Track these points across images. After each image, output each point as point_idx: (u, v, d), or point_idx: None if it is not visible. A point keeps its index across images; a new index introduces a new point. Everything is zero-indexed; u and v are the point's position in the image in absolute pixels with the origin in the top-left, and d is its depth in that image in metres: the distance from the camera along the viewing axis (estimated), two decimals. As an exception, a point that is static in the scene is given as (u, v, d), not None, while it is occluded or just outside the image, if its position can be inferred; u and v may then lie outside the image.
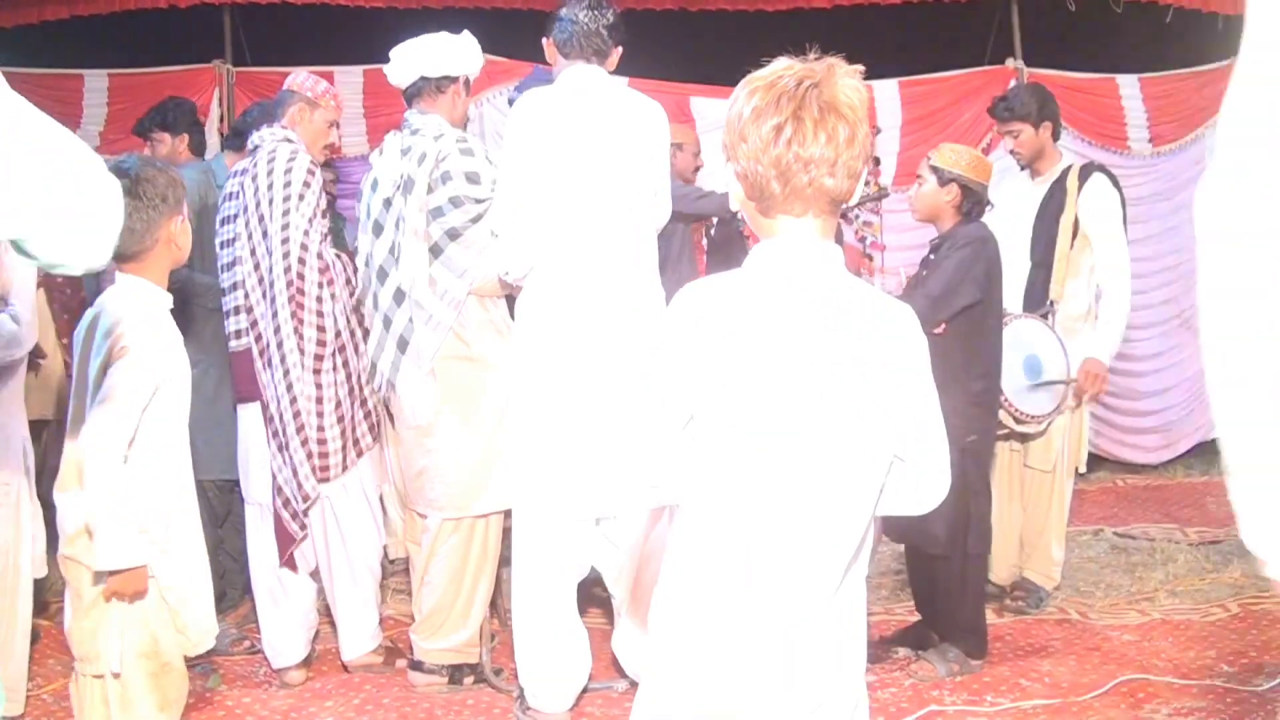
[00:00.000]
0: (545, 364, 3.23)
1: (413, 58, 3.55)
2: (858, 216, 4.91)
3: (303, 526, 3.58)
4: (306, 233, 3.58)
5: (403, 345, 3.47)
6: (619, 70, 3.42)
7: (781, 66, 1.64)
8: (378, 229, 3.52)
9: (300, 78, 3.85)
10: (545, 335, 3.23)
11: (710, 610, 1.63)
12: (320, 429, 3.57)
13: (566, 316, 3.21)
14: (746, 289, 1.64)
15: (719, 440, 1.61)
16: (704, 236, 5.00)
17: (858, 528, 1.64)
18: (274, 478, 3.58)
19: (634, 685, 3.45)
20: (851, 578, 1.65)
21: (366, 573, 3.72)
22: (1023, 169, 4.42)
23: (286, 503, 3.55)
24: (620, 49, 3.39)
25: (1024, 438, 4.17)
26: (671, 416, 1.64)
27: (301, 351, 3.55)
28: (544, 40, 3.42)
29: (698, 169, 5.07)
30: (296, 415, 3.54)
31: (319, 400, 3.57)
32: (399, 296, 3.47)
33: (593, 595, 3.66)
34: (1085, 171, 4.32)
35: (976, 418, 3.57)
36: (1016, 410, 3.87)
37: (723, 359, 1.61)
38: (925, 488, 1.70)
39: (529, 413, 3.27)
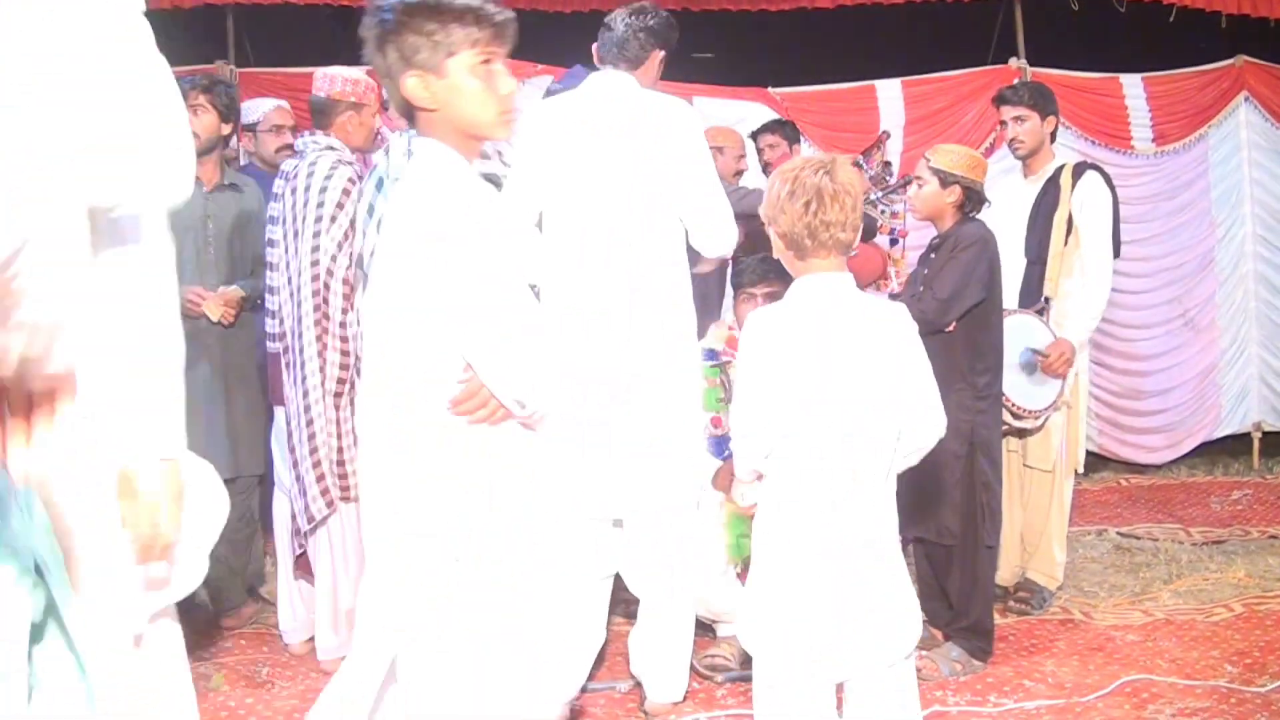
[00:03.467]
0: (565, 367, 3.22)
1: None
2: (884, 210, 4.87)
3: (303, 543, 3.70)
4: (334, 258, 3.59)
5: None
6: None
7: (801, 161, 2.47)
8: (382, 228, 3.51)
9: (338, 85, 3.76)
10: (565, 340, 3.22)
11: (808, 540, 2.33)
12: (340, 450, 3.61)
13: (586, 321, 3.20)
14: (803, 310, 2.43)
15: (801, 416, 2.36)
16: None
17: (889, 457, 2.42)
18: (292, 489, 3.68)
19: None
20: (888, 493, 2.43)
21: (349, 589, 3.76)
22: (1021, 159, 4.40)
23: (296, 518, 3.63)
24: (662, 52, 3.38)
25: (1021, 433, 4.19)
26: (770, 408, 2.38)
27: (323, 374, 3.58)
28: (593, 46, 3.44)
29: (740, 172, 5.01)
30: (311, 438, 3.58)
31: (338, 422, 3.60)
32: None
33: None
34: (1079, 169, 4.35)
35: (984, 410, 3.64)
36: (1014, 405, 3.91)
37: (797, 361, 2.37)
38: (930, 423, 2.43)
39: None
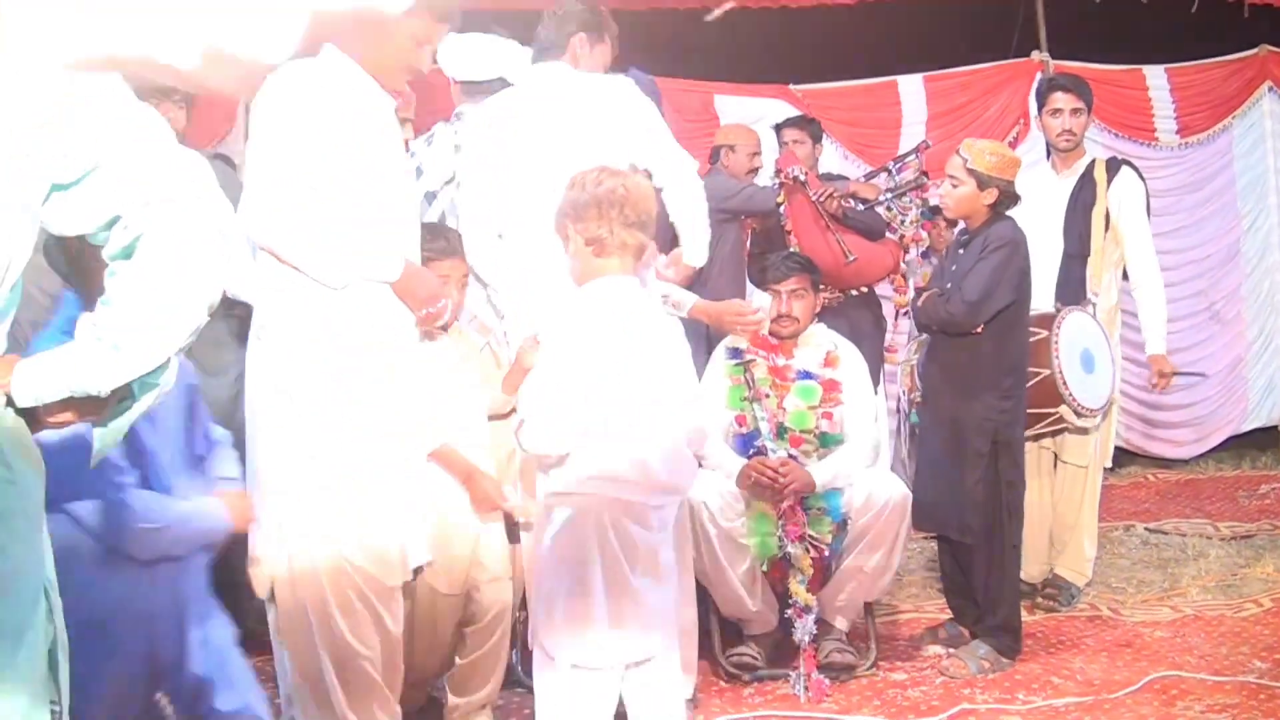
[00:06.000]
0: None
1: (498, 58, 3.55)
2: (903, 220, 4.80)
3: None
4: None
5: None
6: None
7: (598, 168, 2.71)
8: None
9: None
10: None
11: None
12: None
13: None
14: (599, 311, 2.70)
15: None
16: (748, 233, 4.95)
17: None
18: None
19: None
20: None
21: None
22: (1065, 152, 4.33)
23: None
24: (582, 34, 3.33)
25: (1058, 431, 4.16)
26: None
27: None
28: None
29: (754, 170, 4.96)
30: None
31: None
32: None
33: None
34: (1112, 165, 4.34)
35: (1007, 410, 3.61)
36: (1079, 405, 3.87)
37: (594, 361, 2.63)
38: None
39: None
